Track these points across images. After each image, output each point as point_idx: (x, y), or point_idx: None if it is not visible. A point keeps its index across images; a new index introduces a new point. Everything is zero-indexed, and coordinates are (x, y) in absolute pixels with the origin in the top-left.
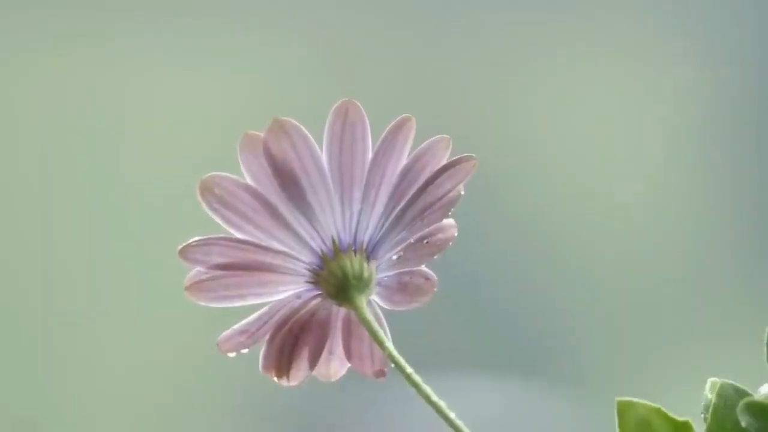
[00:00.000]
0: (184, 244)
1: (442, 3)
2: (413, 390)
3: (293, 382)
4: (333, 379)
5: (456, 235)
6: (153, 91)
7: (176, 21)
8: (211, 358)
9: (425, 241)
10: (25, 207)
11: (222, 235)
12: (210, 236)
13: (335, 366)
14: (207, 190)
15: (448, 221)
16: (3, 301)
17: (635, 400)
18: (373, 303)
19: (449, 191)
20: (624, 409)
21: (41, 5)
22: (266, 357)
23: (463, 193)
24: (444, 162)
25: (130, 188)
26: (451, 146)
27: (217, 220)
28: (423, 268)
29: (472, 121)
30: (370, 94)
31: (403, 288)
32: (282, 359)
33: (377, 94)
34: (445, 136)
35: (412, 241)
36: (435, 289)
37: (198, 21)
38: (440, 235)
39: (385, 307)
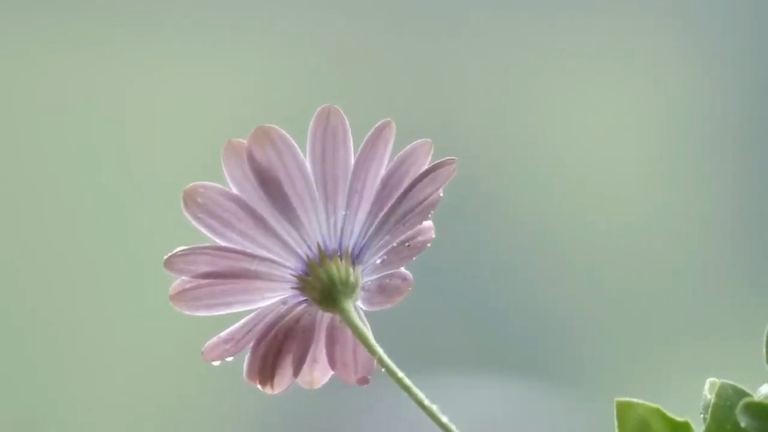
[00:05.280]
0: (168, 255)
1: (441, 3)
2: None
3: (277, 390)
4: (316, 387)
5: (434, 236)
6: (153, 92)
7: (176, 22)
8: None
9: (407, 244)
10: (26, 207)
11: (207, 244)
12: (195, 246)
13: (318, 374)
14: (190, 199)
15: (427, 223)
16: (3, 301)
17: (634, 400)
18: (357, 307)
19: (431, 195)
20: (623, 410)
21: (41, 5)
22: (250, 365)
23: (442, 195)
24: (426, 166)
25: (131, 189)
26: (432, 150)
27: (201, 229)
28: (401, 269)
29: (471, 121)
30: (369, 95)
31: (382, 290)
32: (266, 367)
33: (376, 94)
34: (427, 140)
35: (395, 244)
36: (410, 288)
37: (198, 22)
38: (420, 238)
39: (365, 308)
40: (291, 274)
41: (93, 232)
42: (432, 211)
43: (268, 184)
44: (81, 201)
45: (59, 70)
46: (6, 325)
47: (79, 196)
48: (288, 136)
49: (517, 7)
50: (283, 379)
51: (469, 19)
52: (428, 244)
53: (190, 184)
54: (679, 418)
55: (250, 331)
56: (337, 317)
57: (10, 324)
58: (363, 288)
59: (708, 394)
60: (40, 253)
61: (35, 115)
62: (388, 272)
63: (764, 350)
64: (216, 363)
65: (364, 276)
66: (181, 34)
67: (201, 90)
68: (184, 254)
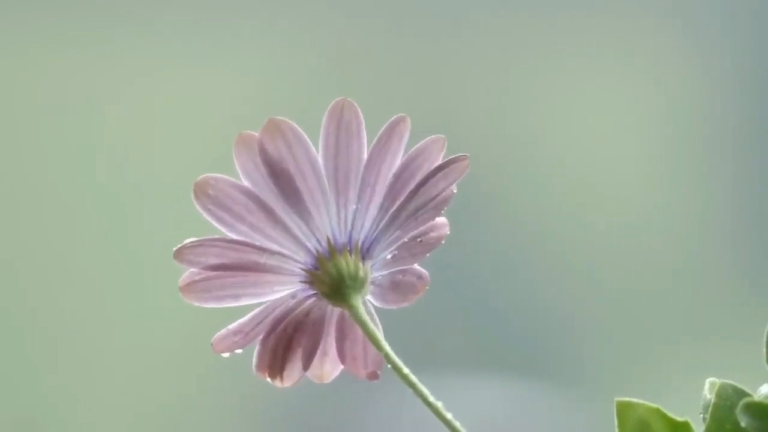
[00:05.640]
0: (178, 246)
1: (441, 3)
2: (411, 390)
3: (286, 383)
4: (326, 381)
5: (448, 232)
6: (153, 92)
7: (176, 22)
8: (212, 359)
9: (419, 239)
10: (26, 207)
11: (217, 237)
12: (204, 238)
13: (328, 367)
14: (201, 191)
15: (441, 219)
16: (3, 301)
17: (634, 400)
18: (367, 302)
19: (443, 190)
20: (623, 410)
21: (41, 5)
22: (260, 357)
23: (455, 191)
24: (438, 162)
25: (131, 190)
26: (445, 146)
27: (212, 221)
28: (416, 266)
29: (472, 120)
30: (369, 95)
31: (395, 286)
32: (275, 360)
33: (377, 93)
34: (440, 136)
35: (406, 240)
36: (427, 287)
37: (198, 22)
38: (433, 234)
39: (378, 305)
40: (300, 268)
41: (93, 232)
42: (445, 208)
43: (279, 176)
44: (81, 201)
45: (59, 70)
46: (6, 325)
47: (79, 196)
48: (299, 129)
49: (517, 7)
50: (293, 372)
51: (469, 19)
52: (442, 241)
53: (201, 176)
54: (679, 418)
55: (259, 323)
56: (346, 312)
57: (10, 324)
58: (374, 283)
59: (708, 394)
60: (40, 253)
61: (35, 115)
62: (401, 268)
63: (764, 350)
64: (225, 354)
65: (374, 271)
66: (181, 34)
67: (201, 90)
68: (193, 246)
